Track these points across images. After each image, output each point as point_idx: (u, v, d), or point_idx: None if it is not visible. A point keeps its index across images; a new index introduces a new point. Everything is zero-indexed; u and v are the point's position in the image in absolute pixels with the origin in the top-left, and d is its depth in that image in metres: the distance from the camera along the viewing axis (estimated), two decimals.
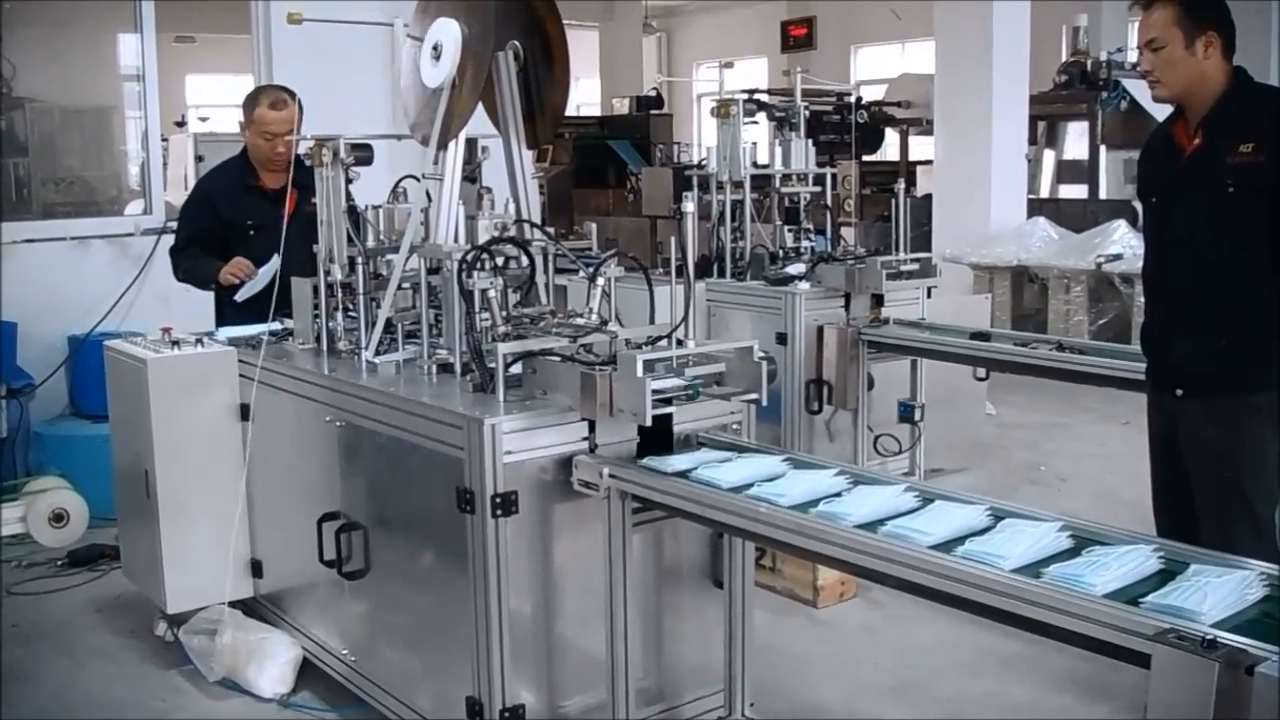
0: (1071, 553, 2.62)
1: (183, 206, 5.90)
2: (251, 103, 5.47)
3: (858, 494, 3.07)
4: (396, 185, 4.51)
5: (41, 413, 6.94)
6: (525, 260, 4.08)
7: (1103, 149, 12.43)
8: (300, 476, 4.39)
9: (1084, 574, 2.43)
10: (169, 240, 5.91)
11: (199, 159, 9.15)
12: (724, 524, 3.23)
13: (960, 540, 2.68)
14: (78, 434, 6.73)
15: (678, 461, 3.36)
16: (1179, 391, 3.86)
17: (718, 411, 3.67)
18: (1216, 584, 2.37)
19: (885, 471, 4.86)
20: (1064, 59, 13.09)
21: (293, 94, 5.44)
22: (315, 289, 4.47)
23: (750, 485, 3.16)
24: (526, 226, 4.21)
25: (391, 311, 4.21)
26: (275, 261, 4.79)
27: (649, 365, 3.24)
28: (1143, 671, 2.18)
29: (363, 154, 4.42)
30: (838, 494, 3.07)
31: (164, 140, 8.58)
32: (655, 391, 3.21)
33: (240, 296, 5.16)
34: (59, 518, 5.92)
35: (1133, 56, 12.04)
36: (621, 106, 19.57)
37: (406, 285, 4.24)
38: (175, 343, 4.77)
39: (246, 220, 5.35)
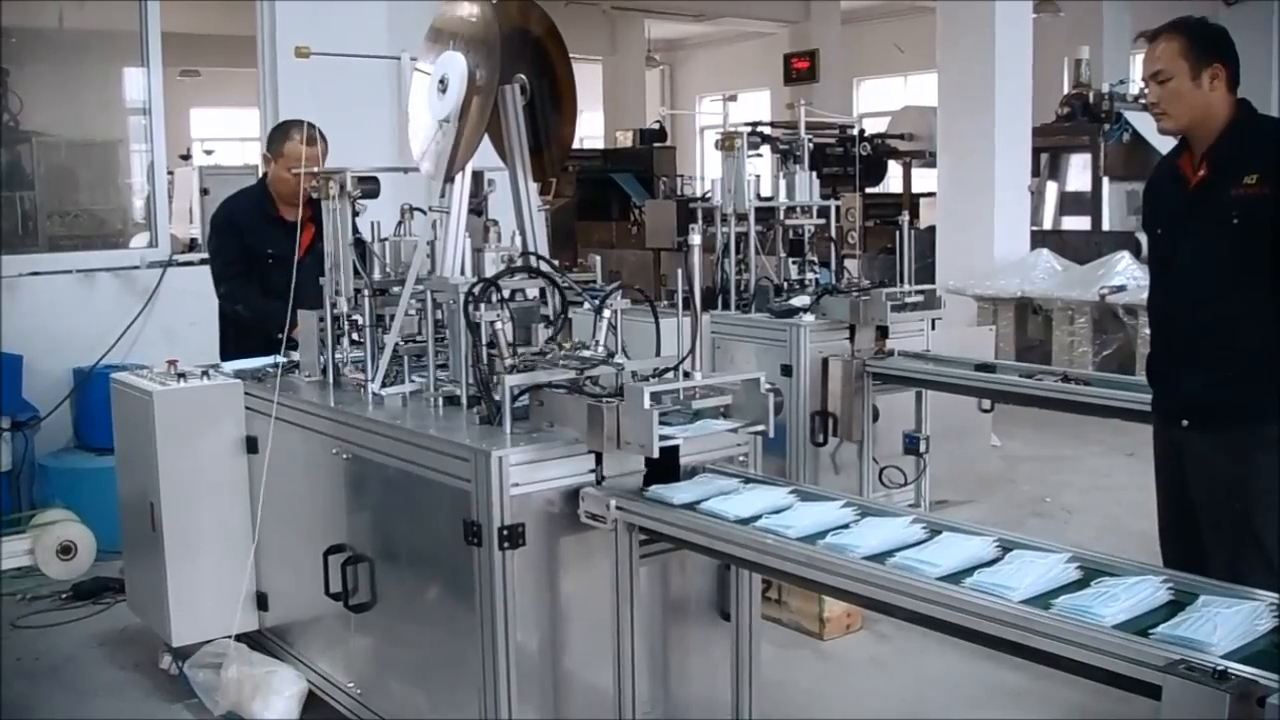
0: (1080, 584, 2.62)
1: (213, 235, 5.83)
2: (281, 136, 5.46)
3: (865, 525, 3.06)
4: (403, 214, 4.53)
5: (46, 445, 6.94)
6: (533, 293, 4.09)
7: (1105, 181, 12.47)
8: (306, 509, 4.39)
9: (1093, 605, 2.43)
10: (175, 273, 5.91)
11: (204, 192, 9.21)
12: (732, 556, 3.22)
13: (969, 571, 2.68)
14: (82, 466, 6.72)
15: (684, 493, 3.35)
16: (1185, 423, 3.86)
17: (725, 443, 3.67)
18: (1226, 615, 2.37)
19: (891, 503, 4.86)
20: (1066, 91, 13.15)
21: (322, 133, 5.42)
22: (321, 321, 4.48)
23: (758, 517, 3.15)
24: (533, 260, 4.22)
25: (398, 342, 4.21)
26: None
27: (656, 397, 3.25)
28: (1152, 704, 2.18)
29: (369, 187, 4.44)
30: (845, 525, 3.06)
31: (169, 173, 8.62)
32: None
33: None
34: (67, 550, 5.91)
35: (1134, 89, 12.12)
36: (625, 139, 19.64)
37: (413, 314, 4.24)
38: (181, 375, 4.78)
39: (267, 250, 5.35)
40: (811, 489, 3.60)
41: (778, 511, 3.19)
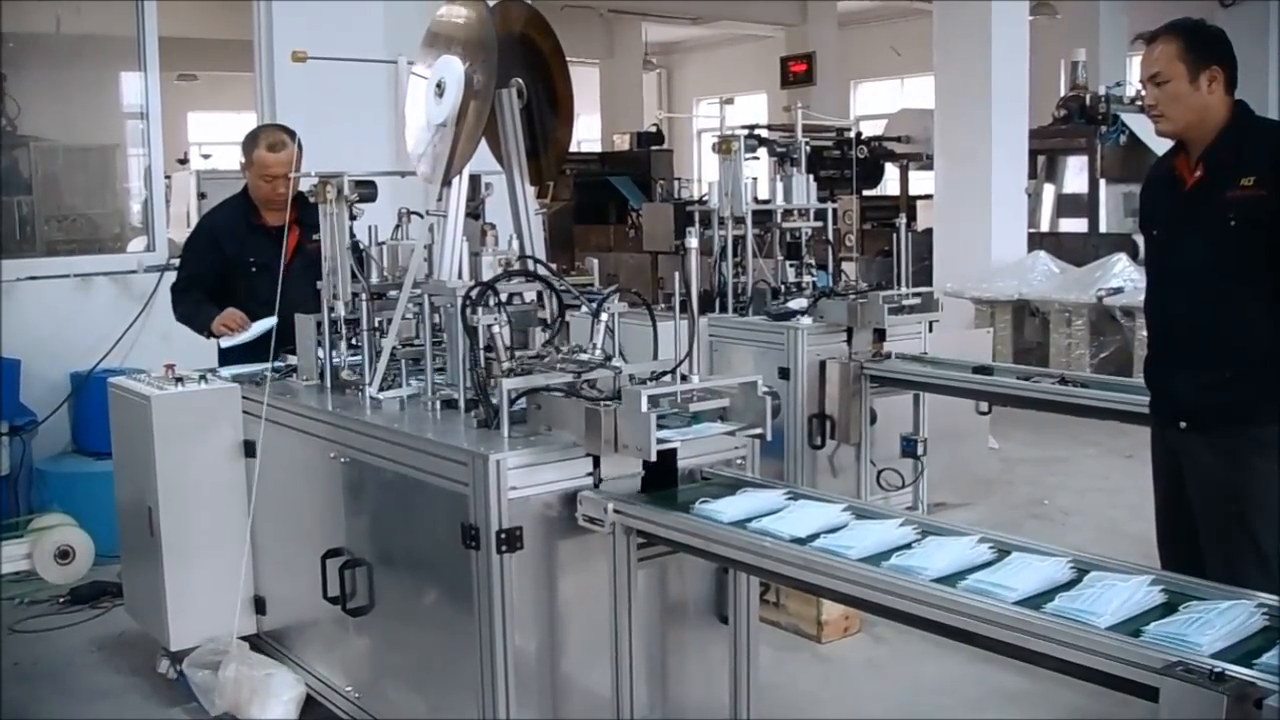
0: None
1: (186, 243, 5.91)
2: (250, 144, 5.46)
3: (929, 545, 2.91)
4: (401, 218, 4.53)
5: (44, 450, 6.93)
6: (530, 296, 4.09)
7: (1102, 183, 12.46)
8: (304, 513, 4.39)
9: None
10: (172, 277, 5.92)
11: (201, 196, 9.17)
12: (729, 559, 3.22)
13: (1048, 596, 2.55)
14: (80, 471, 6.71)
15: (733, 510, 3.23)
16: (1182, 425, 3.86)
17: (722, 447, 3.66)
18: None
19: (889, 506, 4.85)
20: (1063, 93, 13.14)
21: (292, 133, 5.42)
22: (319, 325, 4.48)
23: (815, 537, 3.01)
24: (530, 263, 4.22)
25: (395, 345, 4.21)
26: (271, 321, 4.77)
27: (653, 400, 3.25)
28: (1150, 706, 2.18)
29: (366, 191, 4.43)
30: (908, 545, 2.92)
31: (167, 178, 8.61)
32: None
33: (225, 343, 5.18)
34: (65, 555, 5.91)
35: (1131, 91, 12.11)
36: (622, 142, 19.65)
37: (410, 317, 4.24)
38: (179, 379, 4.78)
39: (249, 258, 5.35)
40: (865, 505, 3.50)
41: (833, 531, 3.05)
